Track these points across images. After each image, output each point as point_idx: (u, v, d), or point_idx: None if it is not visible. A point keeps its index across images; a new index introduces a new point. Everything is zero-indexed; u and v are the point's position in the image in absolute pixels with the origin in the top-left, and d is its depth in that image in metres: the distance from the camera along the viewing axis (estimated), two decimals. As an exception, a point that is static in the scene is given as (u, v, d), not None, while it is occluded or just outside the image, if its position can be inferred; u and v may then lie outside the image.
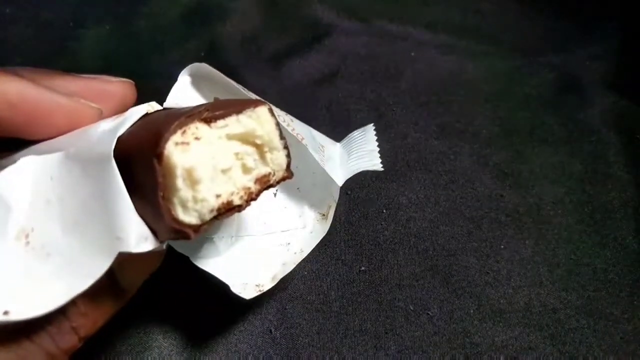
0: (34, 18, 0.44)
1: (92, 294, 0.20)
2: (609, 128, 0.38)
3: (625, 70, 0.42)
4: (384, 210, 0.33)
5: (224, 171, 0.19)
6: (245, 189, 0.20)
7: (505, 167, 0.36)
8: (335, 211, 0.28)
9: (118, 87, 0.24)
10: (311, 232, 0.28)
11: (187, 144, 0.18)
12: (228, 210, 0.20)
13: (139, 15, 0.45)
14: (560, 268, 0.32)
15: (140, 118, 0.22)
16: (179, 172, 0.18)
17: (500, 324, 0.29)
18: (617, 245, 0.33)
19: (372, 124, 0.30)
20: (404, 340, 0.29)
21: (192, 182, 0.18)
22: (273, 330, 0.29)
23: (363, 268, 0.31)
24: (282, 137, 0.21)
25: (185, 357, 0.28)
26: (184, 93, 0.27)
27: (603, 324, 0.30)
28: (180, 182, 0.18)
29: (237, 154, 0.20)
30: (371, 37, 0.43)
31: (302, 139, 0.26)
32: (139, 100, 0.25)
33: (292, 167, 0.22)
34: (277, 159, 0.21)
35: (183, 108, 0.23)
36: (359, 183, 0.34)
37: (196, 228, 0.19)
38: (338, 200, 0.28)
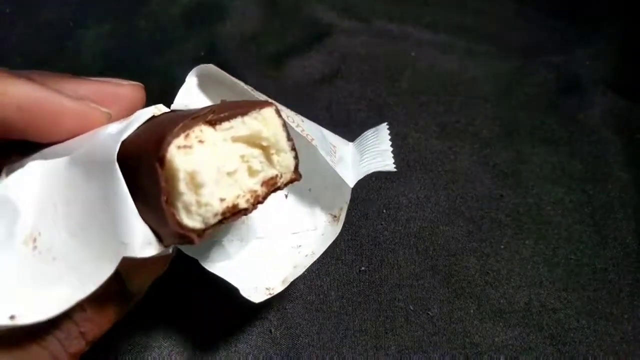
0: (34, 18, 0.44)
1: (99, 299, 0.20)
2: (609, 128, 0.38)
3: (625, 70, 0.42)
4: (384, 210, 0.33)
5: (229, 174, 0.19)
6: (252, 191, 0.20)
7: (505, 167, 0.36)
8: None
9: (128, 90, 0.24)
10: (322, 235, 0.28)
11: (190, 147, 0.18)
12: (234, 214, 0.19)
13: (139, 15, 0.45)
14: (560, 268, 0.32)
15: (147, 121, 0.21)
16: (182, 176, 0.17)
17: (500, 324, 0.29)
18: (617, 245, 0.33)
19: (385, 123, 0.29)
20: (404, 340, 0.29)
21: (195, 186, 0.18)
22: (273, 330, 0.29)
23: (363, 268, 0.31)
24: (289, 138, 0.21)
25: (185, 357, 0.28)
26: (191, 95, 0.26)
27: (603, 324, 0.30)
28: (183, 186, 0.18)
29: (243, 156, 0.20)
30: (371, 37, 0.43)
31: (312, 139, 0.25)
32: (139, 101, 0.25)
33: (303, 169, 0.22)
34: (284, 161, 0.21)
35: (189, 110, 0.22)
36: (359, 183, 0.34)
37: (200, 233, 0.18)
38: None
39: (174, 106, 0.25)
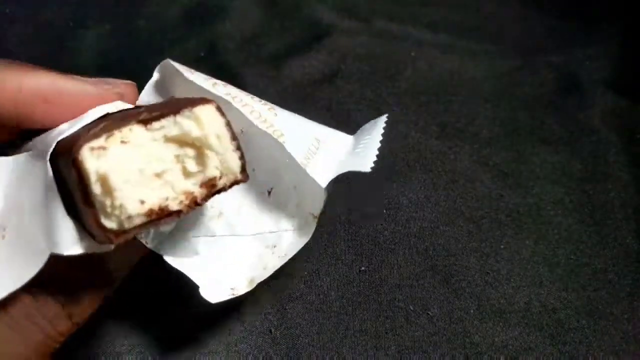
0: (33, 18, 0.44)
1: (81, 281, 0.22)
2: (609, 128, 0.38)
3: (625, 70, 0.42)
4: (384, 210, 0.33)
5: (157, 175, 0.19)
6: (187, 193, 0.19)
7: (505, 167, 0.36)
8: (335, 211, 0.27)
9: (122, 88, 0.24)
10: (299, 236, 0.27)
11: (104, 148, 0.18)
12: (164, 215, 0.19)
13: (139, 15, 0.45)
14: (560, 268, 0.32)
15: (100, 117, 0.22)
16: (93, 178, 0.17)
17: (500, 324, 0.29)
18: (617, 245, 0.33)
19: (384, 116, 0.28)
20: (404, 340, 0.29)
21: (107, 188, 0.18)
22: (273, 330, 0.29)
23: (363, 268, 0.31)
24: (233, 137, 0.20)
25: (185, 357, 0.28)
26: (151, 91, 0.26)
27: (603, 324, 0.30)
28: (96, 188, 0.18)
29: (177, 156, 0.19)
30: (371, 37, 0.43)
31: (281, 135, 0.24)
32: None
33: (273, 167, 0.21)
34: (227, 162, 0.20)
35: (131, 109, 0.23)
36: (359, 183, 0.34)
37: (118, 233, 0.18)
38: (338, 200, 0.28)
39: (138, 102, 0.25)
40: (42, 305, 0.21)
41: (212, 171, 0.20)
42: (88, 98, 0.22)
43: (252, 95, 0.26)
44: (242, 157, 0.21)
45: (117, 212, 0.18)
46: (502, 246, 0.32)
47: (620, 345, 0.29)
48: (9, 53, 0.42)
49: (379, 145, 0.26)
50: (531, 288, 0.31)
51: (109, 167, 0.18)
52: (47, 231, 0.19)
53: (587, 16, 0.46)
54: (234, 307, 0.29)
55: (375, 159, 0.25)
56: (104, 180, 0.18)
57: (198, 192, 0.20)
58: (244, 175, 0.21)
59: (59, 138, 0.20)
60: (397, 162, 0.36)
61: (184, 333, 0.29)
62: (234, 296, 0.25)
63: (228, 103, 0.24)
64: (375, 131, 0.27)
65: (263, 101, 0.26)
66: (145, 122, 0.19)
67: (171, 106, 0.20)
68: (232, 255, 0.27)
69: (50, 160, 0.19)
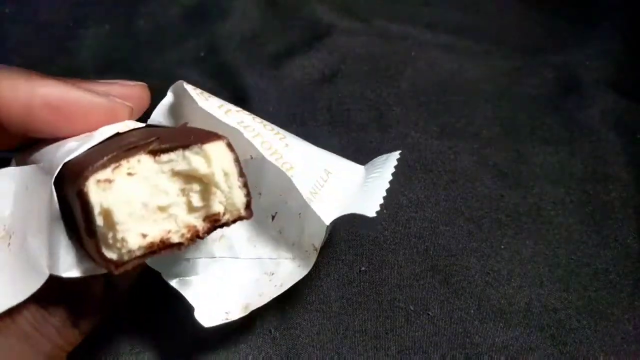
0: (33, 18, 0.44)
1: (87, 293, 0.22)
2: (609, 128, 0.38)
3: (625, 70, 0.42)
4: (384, 210, 0.33)
5: (161, 208, 0.19)
6: (190, 226, 0.20)
7: (505, 167, 0.36)
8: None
9: (135, 90, 0.24)
10: (298, 266, 0.27)
11: (111, 181, 0.18)
12: (165, 247, 0.19)
13: (139, 15, 0.45)
14: (561, 268, 0.32)
15: (110, 137, 0.21)
16: (97, 211, 0.17)
17: (501, 324, 0.29)
18: (618, 246, 0.32)
19: (397, 152, 0.27)
20: (404, 341, 0.29)
21: (110, 222, 0.18)
22: (273, 330, 0.29)
23: (363, 268, 0.31)
24: (241, 174, 0.20)
25: (185, 357, 0.28)
26: (164, 111, 0.26)
27: (604, 325, 0.30)
28: (99, 221, 0.18)
29: (183, 189, 0.19)
30: (371, 37, 0.43)
31: (290, 168, 0.24)
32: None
33: (280, 196, 0.21)
34: (232, 198, 0.20)
35: (142, 128, 0.23)
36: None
37: (119, 264, 0.18)
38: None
39: (150, 121, 0.25)
40: (49, 314, 0.21)
41: (217, 207, 0.20)
42: (98, 110, 0.22)
43: (264, 123, 0.25)
44: (247, 195, 0.20)
45: (118, 244, 0.18)
46: (502, 246, 0.32)
47: (621, 346, 0.29)
48: (9, 53, 0.42)
49: (387, 186, 0.25)
50: (532, 288, 0.31)
51: (113, 201, 0.18)
52: (48, 252, 0.19)
53: (587, 16, 0.46)
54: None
55: (382, 201, 0.24)
56: (107, 214, 0.18)
57: (201, 226, 0.20)
58: (248, 213, 0.21)
59: (67, 159, 0.20)
60: (397, 162, 0.35)
61: (184, 333, 0.29)
62: (228, 321, 0.25)
63: (240, 133, 0.23)
64: (387, 170, 0.26)
65: (275, 129, 0.25)
66: (154, 154, 0.19)
67: (182, 137, 0.19)
68: (230, 277, 0.27)
69: (55, 180, 0.19)
